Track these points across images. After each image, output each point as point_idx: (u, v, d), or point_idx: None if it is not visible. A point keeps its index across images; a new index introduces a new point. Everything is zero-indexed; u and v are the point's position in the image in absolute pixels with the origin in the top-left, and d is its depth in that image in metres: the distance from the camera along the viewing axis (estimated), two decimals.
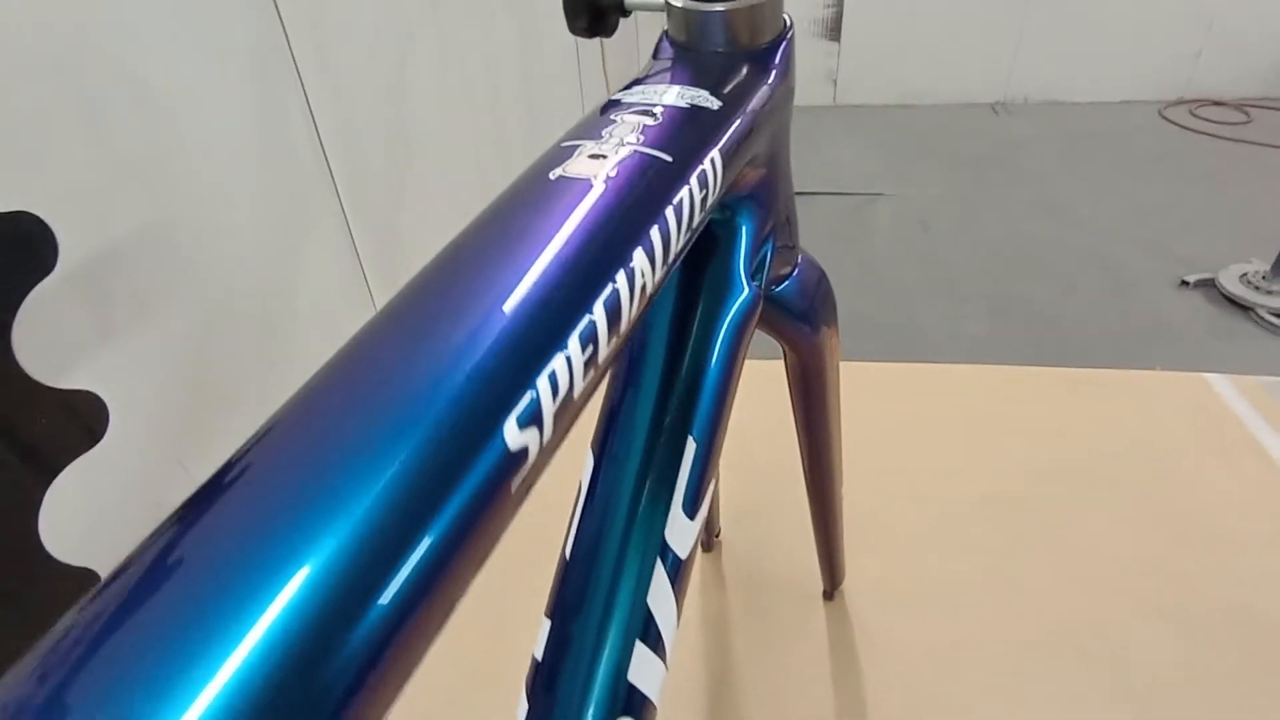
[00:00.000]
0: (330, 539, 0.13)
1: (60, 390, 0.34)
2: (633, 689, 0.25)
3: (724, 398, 0.26)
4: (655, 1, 0.25)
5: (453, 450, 0.13)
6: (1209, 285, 1.96)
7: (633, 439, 0.26)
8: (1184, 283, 1.97)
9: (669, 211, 0.17)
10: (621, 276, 0.16)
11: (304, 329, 0.56)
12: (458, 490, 0.13)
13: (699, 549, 0.25)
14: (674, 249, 0.17)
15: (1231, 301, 1.89)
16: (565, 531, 0.26)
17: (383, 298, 0.66)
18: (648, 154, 0.18)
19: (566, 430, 0.17)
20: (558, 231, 0.15)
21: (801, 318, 0.33)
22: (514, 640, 0.53)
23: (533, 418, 0.14)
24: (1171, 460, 0.66)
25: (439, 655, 0.32)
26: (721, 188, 0.20)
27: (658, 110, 0.20)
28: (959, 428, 0.70)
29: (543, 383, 0.14)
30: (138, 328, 0.39)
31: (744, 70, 0.23)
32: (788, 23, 0.28)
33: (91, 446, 0.37)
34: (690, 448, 0.26)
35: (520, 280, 0.14)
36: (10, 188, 0.31)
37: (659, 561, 0.26)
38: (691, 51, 0.24)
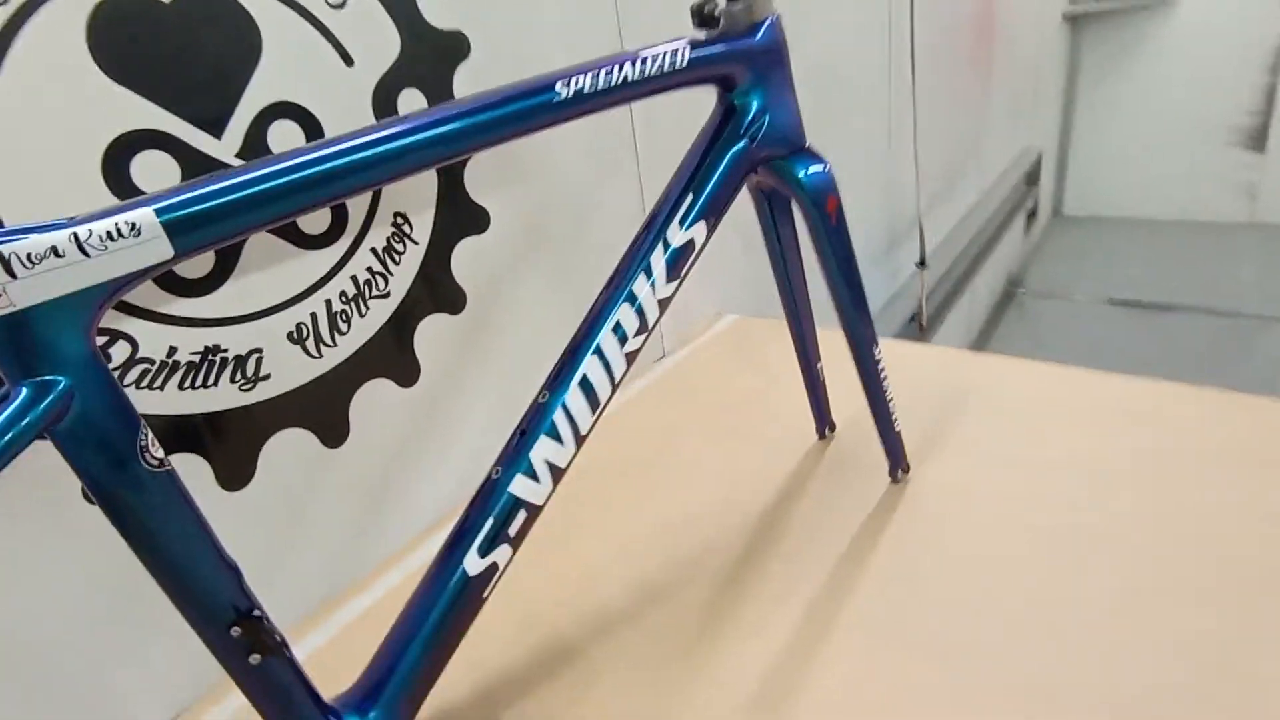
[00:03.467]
0: None
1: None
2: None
3: (719, 186, 0.53)
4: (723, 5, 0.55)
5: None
6: None
7: (667, 197, 0.54)
8: None
9: (664, 51, 0.48)
10: (645, 58, 0.47)
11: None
12: None
13: (693, 247, 0.52)
14: (666, 65, 0.48)
15: None
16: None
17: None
18: (669, 45, 0.49)
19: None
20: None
21: (797, 183, 0.58)
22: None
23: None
24: None
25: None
26: (684, 63, 0.49)
27: (689, 37, 0.51)
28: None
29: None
30: None
31: (734, 33, 0.52)
32: (772, 16, 0.54)
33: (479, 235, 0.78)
34: (689, 197, 0.54)
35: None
36: (487, 19, 0.72)
37: (660, 245, 0.54)
38: (717, 23, 0.53)
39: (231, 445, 0.61)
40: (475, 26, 0.71)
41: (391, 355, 0.72)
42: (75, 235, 0.33)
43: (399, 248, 0.70)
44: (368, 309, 0.69)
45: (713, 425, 0.90)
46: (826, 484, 0.76)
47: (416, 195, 0.71)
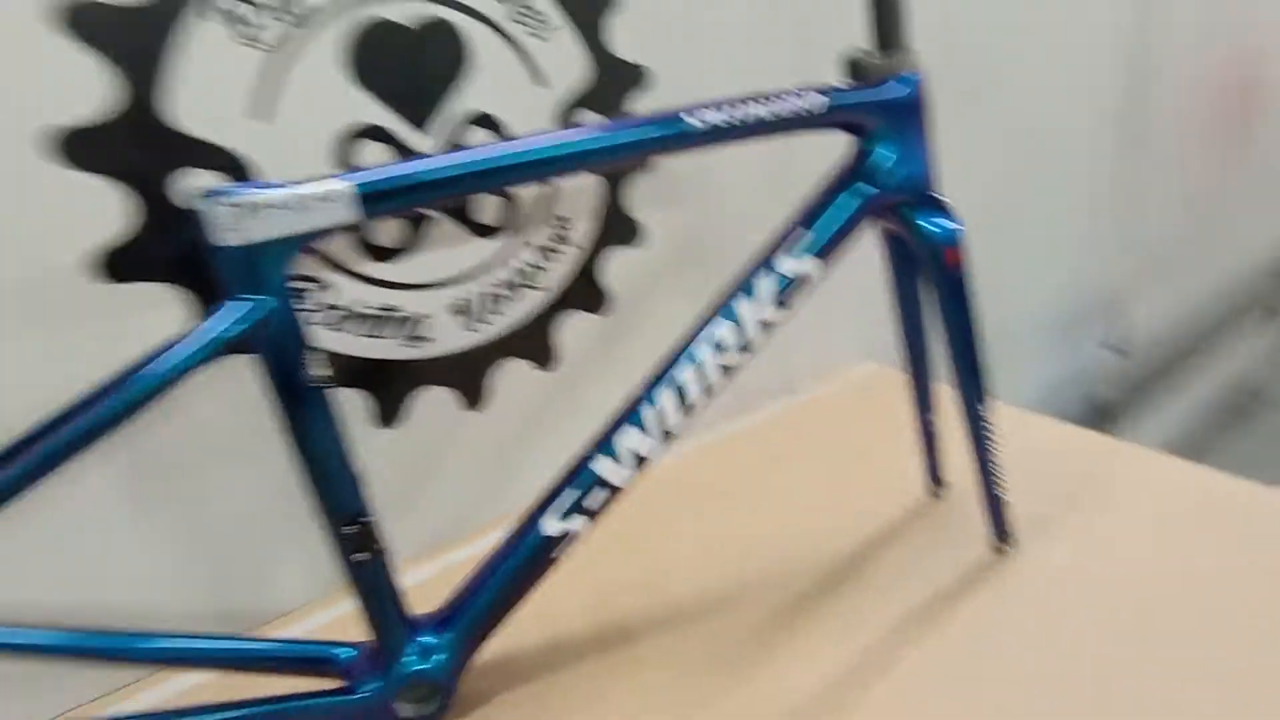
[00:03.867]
0: None
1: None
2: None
3: (837, 226, 0.56)
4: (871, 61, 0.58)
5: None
6: None
7: (785, 228, 0.58)
8: None
9: (798, 95, 0.52)
10: (776, 100, 0.52)
11: None
12: None
13: (802, 279, 0.54)
14: (799, 108, 0.52)
15: None
16: None
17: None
18: (804, 90, 0.53)
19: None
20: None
21: (920, 231, 0.58)
22: None
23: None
24: None
25: None
26: (818, 107, 0.53)
27: (822, 84, 0.54)
28: None
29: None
30: None
31: (872, 84, 0.55)
32: (915, 72, 0.56)
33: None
34: (804, 231, 0.57)
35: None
36: (671, 57, 0.80)
37: (769, 271, 0.57)
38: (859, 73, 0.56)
39: (389, 389, 0.72)
40: (659, 63, 0.80)
41: (534, 341, 0.81)
42: (295, 194, 0.44)
43: (557, 248, 0.79)
44: (522, 296, 0.78)
45: (821, 463, 0.91)
46: (920, 540, 0.74)
47: (579, 203, 0.80)
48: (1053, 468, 0.83)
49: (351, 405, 0.71)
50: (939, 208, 0.59)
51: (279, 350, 0.47)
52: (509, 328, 0.78)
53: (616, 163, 0.52)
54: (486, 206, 0.74)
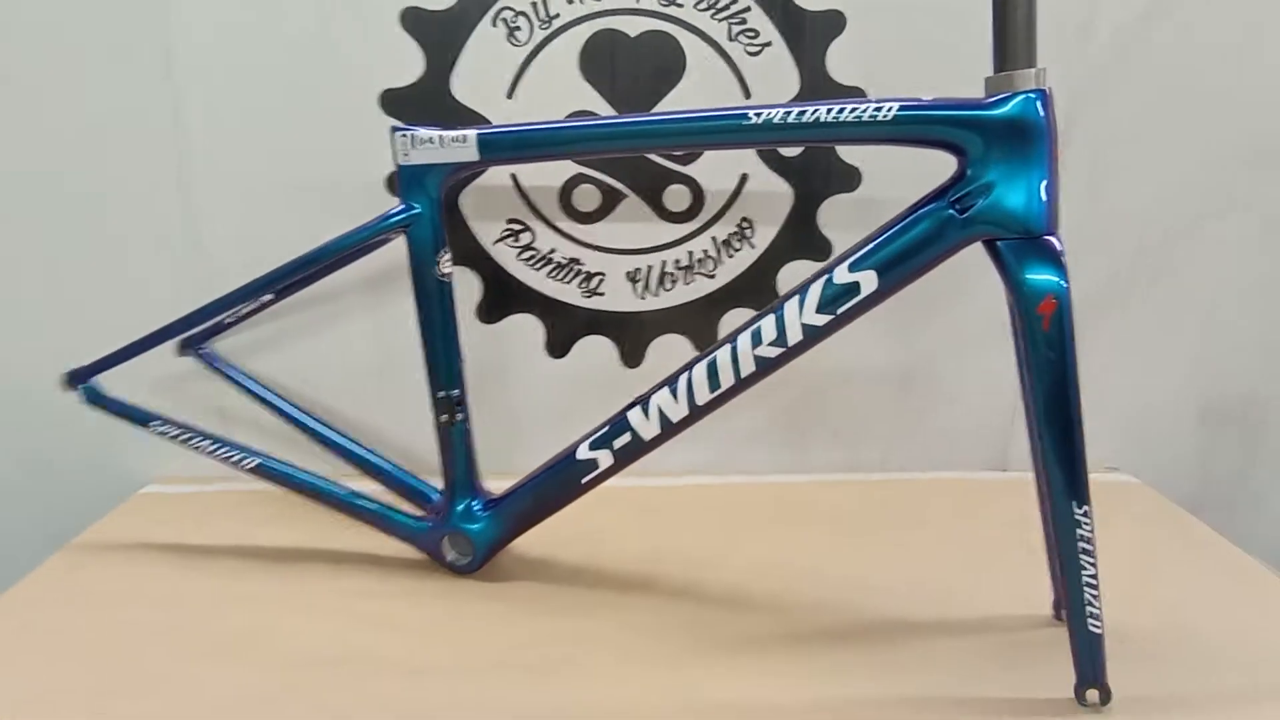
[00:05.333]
0: None
1: None
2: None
3: (905, 244, 0.52)
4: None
5: None
6: None
7: (862, 243, 0.56)
8: None
9: (868, 103, 0.51)
10: (843, 106, 0.52)
11: None
12: None
13: (855, 291, 0.51)
14: (865, 115, 0.52)
15: None
16: None
17: None
18: (880, 99, 0.52)
19: None
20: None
21: (1011, 270, 0.50)
22: None
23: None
24: None
25: None
26: (889, 117, 0.51)
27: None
28: None
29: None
30: None
31: (973, 101, 0.50)
32: (1034, 90, 0.48)
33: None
34: (869, 244, 0.53)
35: None
36: (889, 81, 0.81)
37: (823, 277, 0.56)
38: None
39: (558, 326, 0.88)
40: (875, 86, 0.80)
41: (697, 321, 0.88)
42: (440, 135, 0.61)
43: (736, 245, 0.86)
44: (692, 280, 0.87)
45: (969, 545, 0.80)
46: (998, 664, 0.61)
47: (766, 210, 0.85)
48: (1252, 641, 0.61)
49: (530, 331, 0.88)
50: (1046, 252, 0.51)
51: (422, 247, 0.65)
52: (675, 304, 0.88)
53: (688, 146, 0.58)
54: (677, 196, 0.84)
